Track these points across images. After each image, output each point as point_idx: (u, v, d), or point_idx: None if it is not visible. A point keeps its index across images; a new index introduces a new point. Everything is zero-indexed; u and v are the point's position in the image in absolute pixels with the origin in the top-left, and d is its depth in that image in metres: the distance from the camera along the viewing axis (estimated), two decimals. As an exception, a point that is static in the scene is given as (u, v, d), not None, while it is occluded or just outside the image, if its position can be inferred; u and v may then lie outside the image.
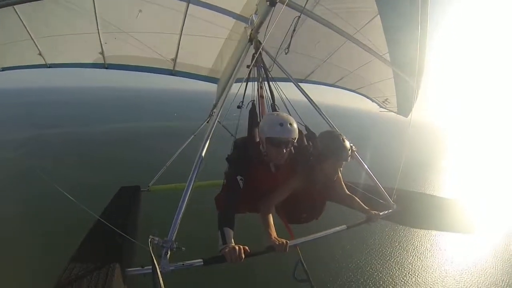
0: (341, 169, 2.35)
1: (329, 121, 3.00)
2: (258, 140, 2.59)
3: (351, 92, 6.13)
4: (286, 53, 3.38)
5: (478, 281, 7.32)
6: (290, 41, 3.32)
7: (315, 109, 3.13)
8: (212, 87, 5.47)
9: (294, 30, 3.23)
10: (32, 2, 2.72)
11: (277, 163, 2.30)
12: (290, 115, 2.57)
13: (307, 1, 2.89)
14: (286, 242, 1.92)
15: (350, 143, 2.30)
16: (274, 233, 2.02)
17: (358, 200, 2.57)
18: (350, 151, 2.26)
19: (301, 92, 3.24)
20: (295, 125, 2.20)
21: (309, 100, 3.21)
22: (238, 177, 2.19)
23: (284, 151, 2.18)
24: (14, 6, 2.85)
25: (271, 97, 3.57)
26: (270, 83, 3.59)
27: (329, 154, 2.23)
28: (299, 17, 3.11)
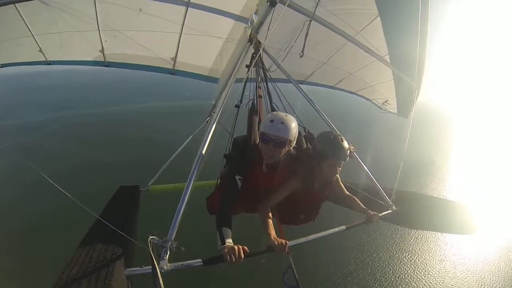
0: (340, 169, 2.34)
1: (329, 122, 3.01)
2: (257, 139, 2.58)
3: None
4: (301, 56, 3.39)
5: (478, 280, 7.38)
6: (304, 44, 3.32)
7: (315, 110, 3.14)
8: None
9: (306, 33, 3.24)
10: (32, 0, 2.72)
11: (267, 162, 2.22)
12: (290, 115, 2.45)
13: (317, 5, 2.89)
14: (286, 242, 1.92)
15: (349, 143, 2.31)
16: (273, 233, 2.03)
17: (357, 201, 2.57)
18: (348, 151, 2.27)
19: (301, 93, 3.25)
20: (289, 125, 2.08)
21: (309, 101, 3.21)
22: (237, 177, 2.16)
23: (273, 148, 2.08)
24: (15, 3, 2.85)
25: (269, 97, 3.58)
26: (269, 83, 3.60)
27: (327, 154, 2.24)
28: (310, 21, 3.11)
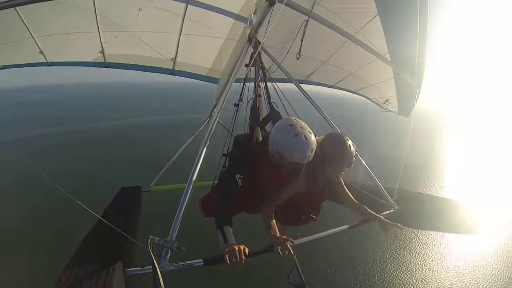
0: (343, 173, 2.33)
1: (330, 121, 2.98)
2: (260, 137, 2.58)
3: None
4: (297, 59, 3.37)
5: (479, 279, 7.34)
6: (301, 45, 3.29)
7: (316, 109, 3.12)
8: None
9: (303, 34, 3.21)
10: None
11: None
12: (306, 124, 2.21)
13: (314, 4, 2.87)
14: (287, 242, 1.91)
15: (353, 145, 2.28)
16: (276, 233, 2.01)
17: (364, 206, 2.48)
18: (354, 158, 2.25)
19: (302, 92, 3.24)
20: (313, 148, 2.04)
21: (310, 101, 3.19)
22: (237, 176, 2.13)
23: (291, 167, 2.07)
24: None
25: (267, 95, 3.57)
26: (269, 82, 3.59)
27: (334, 158, 2.20)
28: (307, 21, 3.08)
